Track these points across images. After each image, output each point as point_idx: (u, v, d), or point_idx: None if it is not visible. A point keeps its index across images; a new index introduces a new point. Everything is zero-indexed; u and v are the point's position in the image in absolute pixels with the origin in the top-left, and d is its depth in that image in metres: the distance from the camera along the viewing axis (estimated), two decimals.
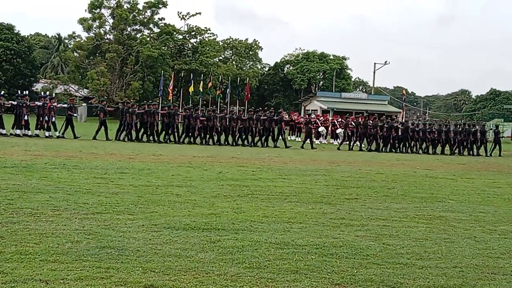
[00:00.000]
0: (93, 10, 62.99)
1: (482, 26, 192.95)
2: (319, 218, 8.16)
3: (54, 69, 76.40)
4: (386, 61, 70.21)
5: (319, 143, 32.81)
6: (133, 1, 63.95)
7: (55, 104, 25.12)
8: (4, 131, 23.52)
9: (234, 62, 77.71)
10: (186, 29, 69.98)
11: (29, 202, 8.11)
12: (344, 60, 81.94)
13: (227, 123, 27.52)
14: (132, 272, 5.12)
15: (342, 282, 5.18)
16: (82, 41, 64.11)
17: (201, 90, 47.32)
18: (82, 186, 9.86)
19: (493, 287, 5.32)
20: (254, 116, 27.70)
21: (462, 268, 5.86)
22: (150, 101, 31.66)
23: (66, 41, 74.53)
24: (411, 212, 9.13)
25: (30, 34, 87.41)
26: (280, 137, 27.65)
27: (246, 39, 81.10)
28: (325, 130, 35.68)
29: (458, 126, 32.07)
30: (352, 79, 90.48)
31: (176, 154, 18.48)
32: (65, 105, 26.13)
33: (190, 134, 26.64)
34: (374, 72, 70.52)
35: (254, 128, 27.44)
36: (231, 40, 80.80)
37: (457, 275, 5.60)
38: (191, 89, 45.72)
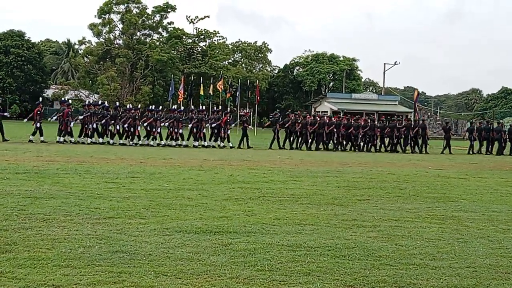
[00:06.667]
0: (103, 16, 63.28)
1: (492, 24, 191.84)
2: (331, 220, 8.14)
3: (64, 75, 76.80)
4: (396, 61, 70.39)
5: None
6: (142, 6, 64.22)
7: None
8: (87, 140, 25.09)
9: (243, 65, 77.73)
10: (195, 32, 70.11)
11: (41, 207, 8.15)
12: (354, 62, 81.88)
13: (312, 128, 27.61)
14: (145, 276, 5.13)
15: (355, 284, 5.16)
16: (92, 46, 64.31)
17: (211, 94, 47.37)
18: (93, 191, 9.89)
19: (507, 287, 5.28)
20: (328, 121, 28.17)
21: (476, 268, 5.82)
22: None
23: (76, 46, 74.85)
24: (423, 213, 9.09)
25: (40, 41, 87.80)
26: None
27: (255, 42, 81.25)
28: None
29: None
30: (362, 80, 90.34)
31: (187, 158, 18.51)
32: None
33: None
34: (384, 73, 70.54)
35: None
36: (240, 43, 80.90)
37: (470, 275, 5.56)
38: (201, 92, 45.80)
